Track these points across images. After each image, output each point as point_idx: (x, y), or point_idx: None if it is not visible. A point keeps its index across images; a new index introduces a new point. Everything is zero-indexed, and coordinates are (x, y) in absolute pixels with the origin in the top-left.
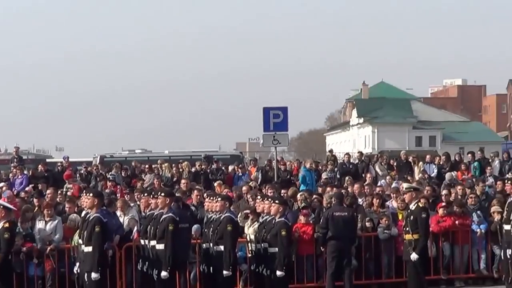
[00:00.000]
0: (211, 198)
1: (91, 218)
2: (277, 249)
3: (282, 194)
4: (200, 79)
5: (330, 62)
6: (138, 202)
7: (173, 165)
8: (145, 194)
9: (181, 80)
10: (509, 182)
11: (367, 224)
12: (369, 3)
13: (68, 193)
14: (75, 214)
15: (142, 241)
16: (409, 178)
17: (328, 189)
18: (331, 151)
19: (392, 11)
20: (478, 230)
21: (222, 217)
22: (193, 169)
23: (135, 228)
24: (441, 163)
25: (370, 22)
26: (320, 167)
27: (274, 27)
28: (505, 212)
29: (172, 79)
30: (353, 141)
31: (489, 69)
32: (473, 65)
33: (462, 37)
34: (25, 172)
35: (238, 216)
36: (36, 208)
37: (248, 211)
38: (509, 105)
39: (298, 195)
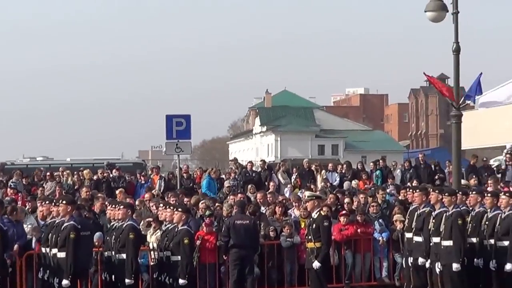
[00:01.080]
0: (114, 206)
1: None
2: (179, 257)
3: (185, 202)
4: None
5: (233, 71)
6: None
7: (75, 172)
8: (47, 202)
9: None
10: (411, 190)
11: (270, 232)
12: (273, 12)
13: None
14: None
15: (43, 249)
16: (311, 186)
17: (231, 197)
18: (234, 159)
19: (296, 21)
20: (380, 238)
21: (124, 225)
22: (95, 177)
23: (35, 237)
24: (343, 171)
25: (275, 30)
26: (223, 175)
27: (178, 32)
28: (407, 221)
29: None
30: (256, 149)
31: (391, 78)
32: (375, 74)
33: (364, 46)
34: None
35: (141, 224)
36: None
37: (150, 219)
38: (411, 114)
39: (201, 203)
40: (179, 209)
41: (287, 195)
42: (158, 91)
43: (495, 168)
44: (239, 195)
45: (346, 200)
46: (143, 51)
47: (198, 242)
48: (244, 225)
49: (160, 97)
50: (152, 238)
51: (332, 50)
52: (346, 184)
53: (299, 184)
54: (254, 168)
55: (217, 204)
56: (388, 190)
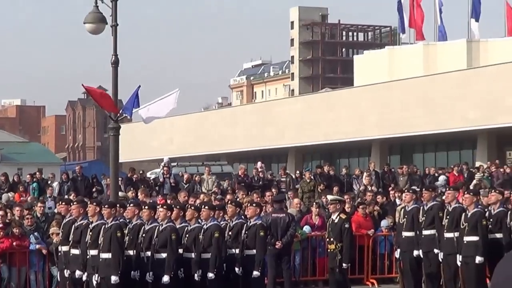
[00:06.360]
0: None
1: None
2: None
3: None
4: None
5: None
6: None
7: None
8: None
9: None
10: (61, 202)
11: None
12: None
13: None
14: None
15: None
16: None
17: None
18: None
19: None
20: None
21: None
22: None
23: None
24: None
25: None
26: None
27: None
28: (61, 233)
29: None
30: None
31: (48, 90)
32: (32, 85)
33: (23, 56)
34: None
35: None
36: None
37: None
38: (68, 126)
39: None
40: None
41: None
42: None
43: (152, 181)
44: None
45: (1, 212)
46: None
47: None
48: None
49: None
50: None
51: None
52: (4, 197)
53: None
54: None
55: None
56: (46, 203)
